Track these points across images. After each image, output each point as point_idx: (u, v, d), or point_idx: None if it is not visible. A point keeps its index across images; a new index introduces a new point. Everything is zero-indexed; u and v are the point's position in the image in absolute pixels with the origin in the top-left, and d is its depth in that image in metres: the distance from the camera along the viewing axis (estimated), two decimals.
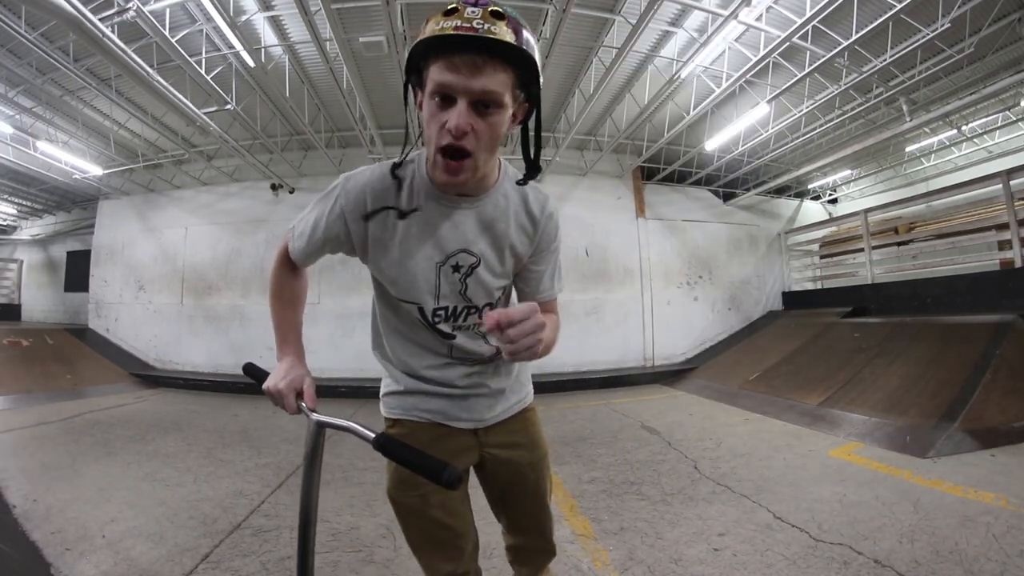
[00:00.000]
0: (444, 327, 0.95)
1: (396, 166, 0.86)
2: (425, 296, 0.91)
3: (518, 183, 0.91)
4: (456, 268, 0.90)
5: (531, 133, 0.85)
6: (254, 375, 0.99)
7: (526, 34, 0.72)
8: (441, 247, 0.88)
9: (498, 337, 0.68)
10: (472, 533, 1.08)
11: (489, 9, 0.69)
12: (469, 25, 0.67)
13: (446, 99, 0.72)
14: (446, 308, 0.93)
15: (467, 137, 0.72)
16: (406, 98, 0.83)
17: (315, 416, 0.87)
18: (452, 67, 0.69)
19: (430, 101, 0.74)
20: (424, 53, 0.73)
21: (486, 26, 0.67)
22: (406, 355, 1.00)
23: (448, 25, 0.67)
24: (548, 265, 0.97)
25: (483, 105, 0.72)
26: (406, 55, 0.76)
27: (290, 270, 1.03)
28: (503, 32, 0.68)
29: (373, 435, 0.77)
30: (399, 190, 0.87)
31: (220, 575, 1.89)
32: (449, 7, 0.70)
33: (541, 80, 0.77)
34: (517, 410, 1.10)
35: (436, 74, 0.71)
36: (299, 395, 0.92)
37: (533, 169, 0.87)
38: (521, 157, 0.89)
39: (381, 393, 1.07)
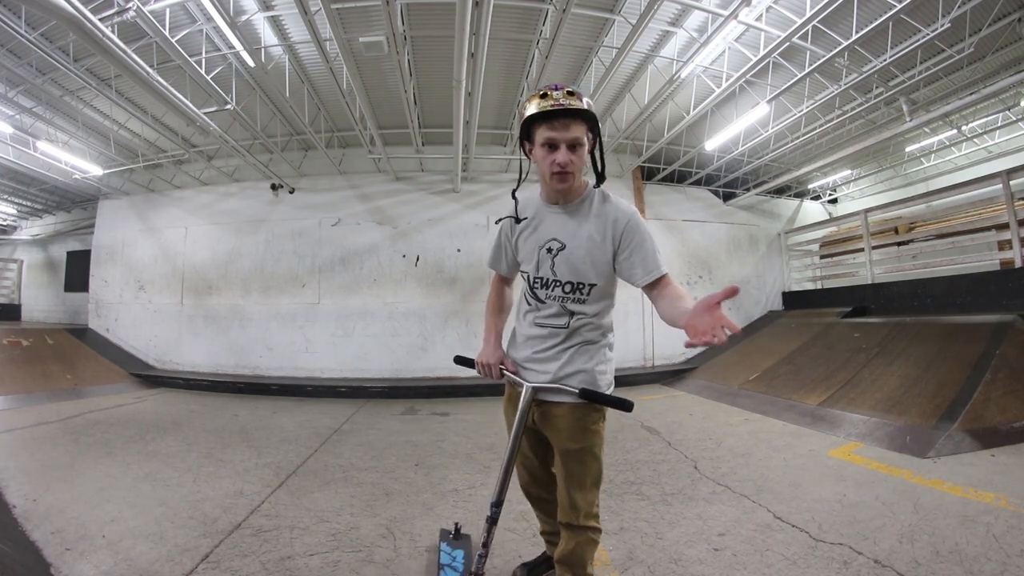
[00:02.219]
0: (540, 293, 1.41)
1: (514, 192, 1.45)
2: (531, 267, 1.42)
3: (595, 186, 1.37)
4: (549, 250, 1.37)
5: (597, 155, 1.36)
6: (464, 362, 1.53)
7: (587, 99, 1.24)
8: (542, 236, 1.39)
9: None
10: (542, 471, 1.55)
11: (567, 90, 1.23)
12: (558, 102, 1.21)
13: (552, 146, 1.24)
14: (541, 278, 1.40)
15: (569, 164, 1.24)
16: (523, 149, 1.35)
17: (529, 383, 1.35)
18: (553, 127, 1.22)
19: (540, 148, 1.26)
20: (532, 121, 1.25)
21: (568, 101, 1.21)
22: (518, 324, 1.52)
23: (546, 104, 1.22)
24: (643, 253, 1.29)
25: (574, 145, 1.24)
26: (518, 123, 1.33)
27: (498, 290, 1.63)
28: (577, 103, 1.21)
29: (577, 390, 1.29)
30: (516, 207, 1.45)
31: (220, 575, 1.89)
32: (542, 93, 1.24)
33: (600, 125, 1.29)
34: (565, 400, 1.37)
35: (543, 132, 1.24)
36: (503, 365, 1.44)
37: (600, 177, 1.37)
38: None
39: None
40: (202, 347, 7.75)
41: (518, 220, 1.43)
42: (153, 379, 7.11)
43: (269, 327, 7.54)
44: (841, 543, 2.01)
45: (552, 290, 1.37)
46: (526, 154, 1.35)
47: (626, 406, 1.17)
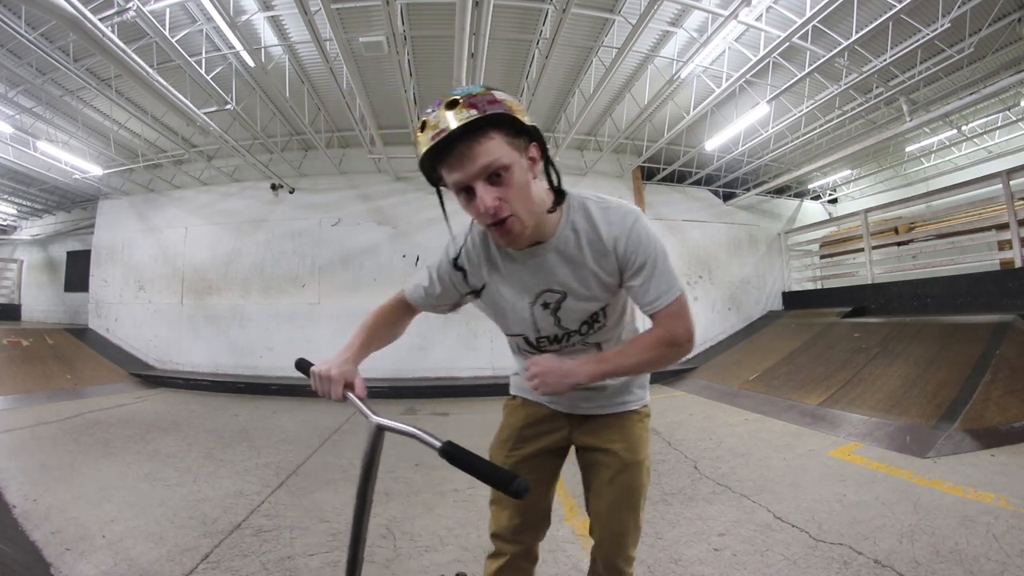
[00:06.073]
0: (551, 349, 1.10)
1: (455, 260, 1.06)
2: (527, 330, 1.08)
3: (548, 212, 0.94)
4: (545, 305, 1.03)
5: (547, 164, 0.92)
6: (303, 368, 1.04)
7: (485, 99, 0.80)
8: (528, 291, 1.02)
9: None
10: (540, 513, 1.19)
11: (444, 104, 0.79)
12: (437, 130, 0.78)
13: (467, 190, 0.83)
14: (548, 336, 1.08)
15: (500, 208, 0.84)
16: (442, 203, 0.94)
17: (376, 419, 0.90)
18: (450, 167, 0.82)
19: (458, 196, 0.87)
20: (430, 164, 0.85)
21: (452, 116, 0.77)
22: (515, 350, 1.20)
23: (425, 139, 0.80)
24: (641, 279, 0.96)
25: (494, 176, 0.82)
26: (418, 158, 0.86)
27: (398, 313, 1.18)
28: (462, 115, 0.77)
29: (439, 443, 0.76)
30: (465, 279, 1.06)
31: (220, 575, 1.89)
32: (421, 122, 0.82)
33: (526, 119, 0.83)
34: (618, 410, 1.15)
35: (447, 176, 0.84)
36: (348, 386, 0.98)
37: (558, 195, 0.94)
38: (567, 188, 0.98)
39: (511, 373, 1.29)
40: (202, 347, 7.75)
41: (476, 294, 1.08)
42: (153, 379, 7.11)
43: (269, 327, 7.54)
44: (841, 543, 2.01)
45: (568, 340, 1.08)
46: (442, 199, 0.95)
47: (514, 488, 0.69)
